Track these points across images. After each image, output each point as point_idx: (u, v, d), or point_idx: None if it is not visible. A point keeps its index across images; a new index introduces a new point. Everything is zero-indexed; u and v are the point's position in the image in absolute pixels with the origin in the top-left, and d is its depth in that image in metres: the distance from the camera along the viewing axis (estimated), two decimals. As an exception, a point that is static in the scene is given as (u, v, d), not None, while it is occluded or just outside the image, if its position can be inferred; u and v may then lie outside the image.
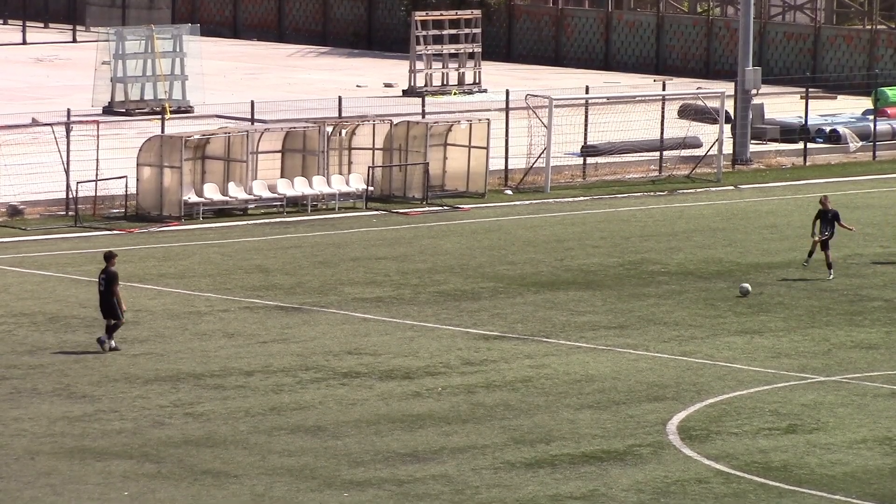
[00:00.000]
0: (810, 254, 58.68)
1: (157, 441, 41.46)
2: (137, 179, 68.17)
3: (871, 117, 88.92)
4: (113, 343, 48.43)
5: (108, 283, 48.68)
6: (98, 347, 48.15)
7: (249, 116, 77.62)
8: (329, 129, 71.54)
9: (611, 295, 56.61)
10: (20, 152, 70.46)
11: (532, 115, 76.82)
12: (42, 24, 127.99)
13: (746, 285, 50.59)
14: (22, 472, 39.09)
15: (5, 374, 46.62)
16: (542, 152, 75.71)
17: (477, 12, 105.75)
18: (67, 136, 68.98)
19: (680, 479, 39.60)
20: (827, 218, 59.20)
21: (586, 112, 79.88)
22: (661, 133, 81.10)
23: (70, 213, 67.48)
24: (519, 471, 39.93)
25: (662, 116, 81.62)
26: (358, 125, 72.77)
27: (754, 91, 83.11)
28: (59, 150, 68.70)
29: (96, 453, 40.40)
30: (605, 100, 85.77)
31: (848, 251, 64.59)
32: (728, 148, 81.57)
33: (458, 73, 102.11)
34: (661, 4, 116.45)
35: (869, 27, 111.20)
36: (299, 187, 69.62)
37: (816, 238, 58.54)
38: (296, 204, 69.66)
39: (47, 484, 38.23)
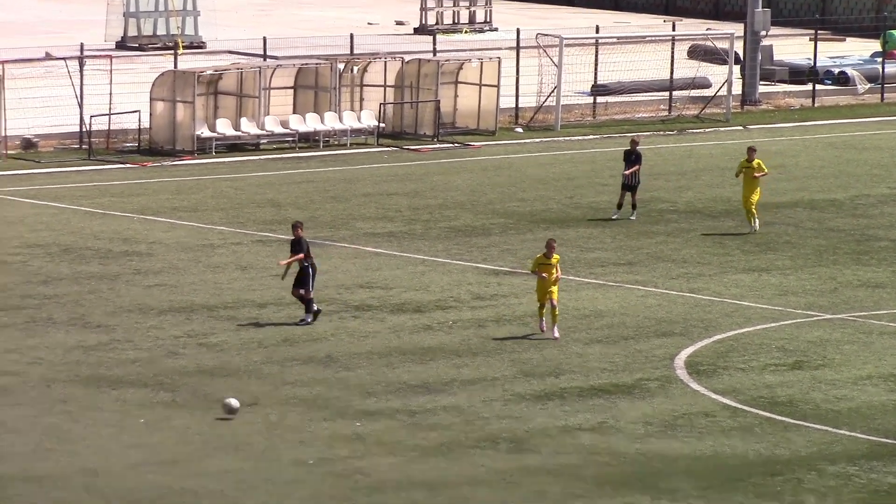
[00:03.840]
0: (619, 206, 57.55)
1: (171, 370, 41.89)
2: (150, 114, 68.44)
3: (880, 60, 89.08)
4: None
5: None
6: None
7: (262, 53, 77.85)
8: (341, 66, 71.80)
9: (620, 232, 56.90)
10: (33, 86, 70.64)
11: (543, 55, 77.07)
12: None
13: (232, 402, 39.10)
14: (39, 399, 39.50)
15: (21, 303, 47.02)
16: (553, 91, 75.97)
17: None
18: (81, 71, 69.22)
19: (687, 412, 39.99)
20: (631, 159, 58.84)
21: (596, 52, 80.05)
22: (671, 73, 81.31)
23: (83, 146, 67.77)
24: (529, 403, 40.30)
25: (672, 57, 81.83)
26: (369, 62, 73.05)
27: (763, 32, 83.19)
28: (73, 85, 68.87)
29: (112, 382, 40.88)
30: (615, 39, 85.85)
31: (855, 192, 64.89)
32: (737, 89, 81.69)
33: (469, 12, 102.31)
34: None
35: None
36: (311, 123, 69.92)
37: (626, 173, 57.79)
38: (308, 140, 69.96)
39: (64, 411, 38.70)
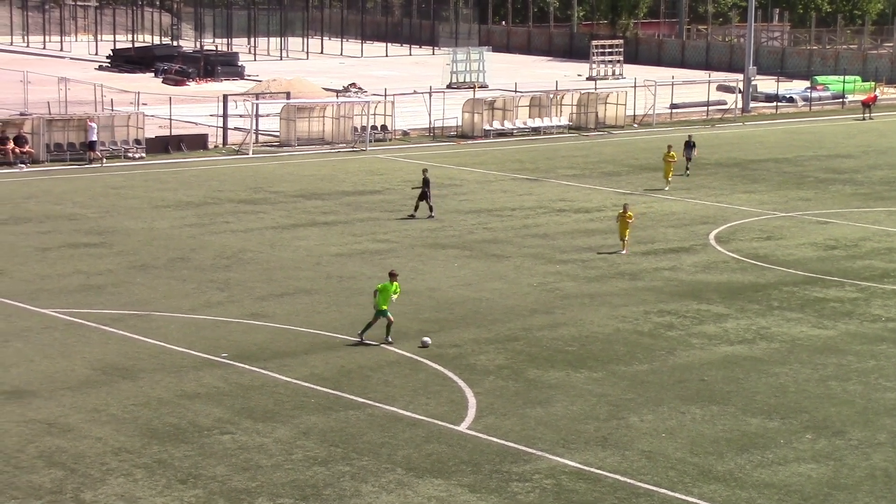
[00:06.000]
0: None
1: (471, 241, 41.14)
2: (462, 118, 67.50)
3: (810, 90, 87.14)
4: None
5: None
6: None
7: (515, 89, 77.02)
8: (551, 95, 70.72)
9: (683, 176, 55.18)
10: (407, 104, 70.22)
11: (647, 89, 75.47)
12: None
13: (427, 339, 29.25)
14: (408, 253, 38.85)
15: (399, 207, 46.31)
16: (651, 107, 74.37)
17: (619, 41, 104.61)
18: (430, 99, 68.58)
19: (714, 261, 38.94)
20: (689, 145, 54.93)
21: (672, 88, 78.33)
22: (708, 97, 79.63)
23: (431, 134, 66.65)
24: (640, 256, 39.32)
25: (709, 90, 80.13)
26: (564, 94, 71.80)
27: (752, 77, 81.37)
28: (426, 104, 68.35)
29: (442, 246, 40.32)
30: (681, 81, 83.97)
31: (796, 154, 62.98)
32: (739, 104, 79.86)
33: (612, 69, 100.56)
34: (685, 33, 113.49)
35: (815, 47, 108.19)
36: (537, 122, 68.84)
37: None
38: (536, 130, 68.74)
39: (419, 259, 38.12)
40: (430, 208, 44.26)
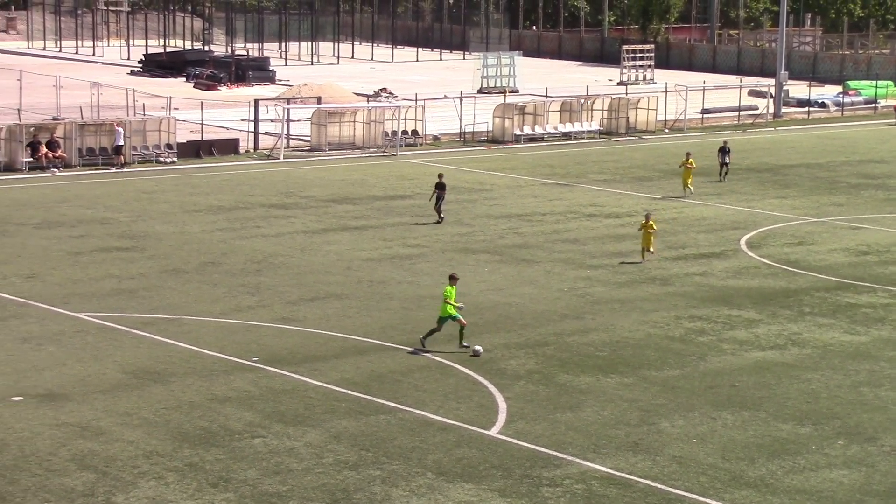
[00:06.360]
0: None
1: (500, 245, 41.05)
2: (493, 123, 67.48)
3: (842, 95, 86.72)
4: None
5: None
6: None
7: (545, 94, 76.82)
8: (582, 100, 70.57)
9: (715, 182, 54.98)
10: (438, 108, 70.13)
11: (678, 94, 75.19)
12: None
13: (478, 348, 28.85)
14: (438, 258, 38.82)
15: (430, 211, 46.29)
16: (682, 111, 74.09)
17: (650, 46, 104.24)
18: (460, 103, 68.57)
19: (746, 266, 38.74)
20: (724, 151, 54.41)
21: (704, 93, 78.11)
22: (739, 102, 79.30)
23: (461, 139, 66.65)
24: (670, 261, 39.18)
25: (740, 95, 79.82)
26: (595, 99, 71.61)
27: (784, 82, 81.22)
28: (455, 109, 68.23)
29: (472, 251, 40.18)
30: (713, 86, 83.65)
31: (828, 159, 62.68)
32: (771, 109, 79.53)
33: (643, 74, 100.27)
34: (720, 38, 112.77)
35: (847, 52, 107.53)
36: (568, 127, 68.64)
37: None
38: (567, 135, 68.59)
39: (449, 264, 37.74)
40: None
